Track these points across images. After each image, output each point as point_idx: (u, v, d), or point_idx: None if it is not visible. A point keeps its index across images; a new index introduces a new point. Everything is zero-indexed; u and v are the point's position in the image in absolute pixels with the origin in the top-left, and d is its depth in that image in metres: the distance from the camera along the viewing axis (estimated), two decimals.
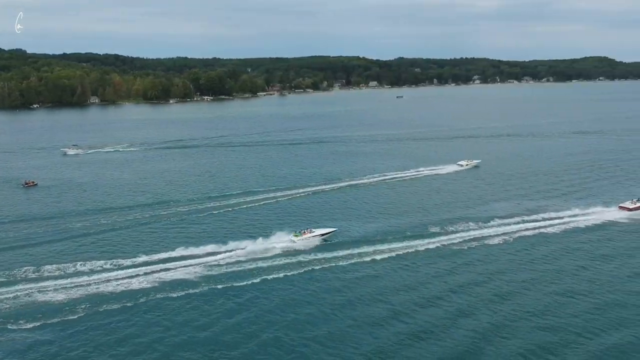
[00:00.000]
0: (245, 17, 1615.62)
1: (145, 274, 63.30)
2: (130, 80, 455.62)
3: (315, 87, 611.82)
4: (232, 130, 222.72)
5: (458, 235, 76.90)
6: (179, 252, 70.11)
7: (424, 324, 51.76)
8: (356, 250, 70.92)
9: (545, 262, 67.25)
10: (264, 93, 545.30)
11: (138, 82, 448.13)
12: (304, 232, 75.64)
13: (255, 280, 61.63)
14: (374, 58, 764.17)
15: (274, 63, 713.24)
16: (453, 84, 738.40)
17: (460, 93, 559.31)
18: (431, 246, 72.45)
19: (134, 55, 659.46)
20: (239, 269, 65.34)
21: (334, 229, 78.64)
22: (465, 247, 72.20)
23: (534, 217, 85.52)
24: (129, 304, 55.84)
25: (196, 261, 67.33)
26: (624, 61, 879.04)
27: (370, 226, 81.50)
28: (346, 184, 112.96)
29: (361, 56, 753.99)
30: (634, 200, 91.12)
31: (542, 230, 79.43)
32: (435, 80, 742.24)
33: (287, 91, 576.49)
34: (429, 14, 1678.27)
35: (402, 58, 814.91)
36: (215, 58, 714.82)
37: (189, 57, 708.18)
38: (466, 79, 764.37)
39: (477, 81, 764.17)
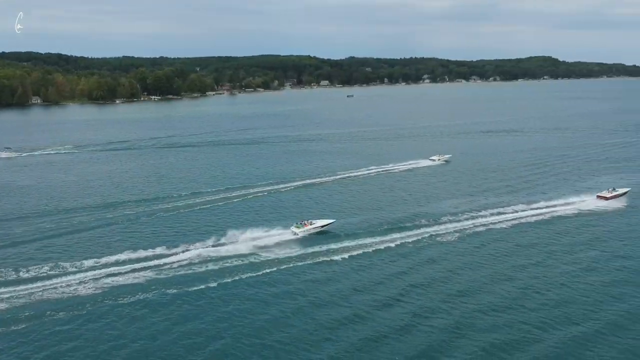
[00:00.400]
0: (194, 15, 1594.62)
1: (95, 279, 60.80)
2: (74, 80, 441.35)
3: (266, 86, 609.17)
4: (180, 131, 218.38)
5: (422, 230, 77.84)
6: (128, 255, 67.78)
7: (384, 321, 51.72)
8: (310, 250, 70.33)
9: (522, 253, 69.41)
10: (214, 92, 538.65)
11: (83, 82, 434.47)
12: (305, 223, 76.75)
13: (211, 284, 60.02)
14: (325, 57, 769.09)
15: (223, 62, 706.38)
16: (404, 83, 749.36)
17: (411, 92, 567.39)
18: (391, 244, 72.41)
19: (78, 55, 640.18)
20: (190, 271, 63.67)
21: (333, 220, 79.73)
22: (428, 243, 72.81)
23: (511, 209, 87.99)
24: (77, 312, 53.33)
25: (146, 264, 65.21)
26: (566, 61, 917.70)
27: (333, 225, 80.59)
28: (302, 182, 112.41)
29: (312, 55, 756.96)
30: (610, 189, 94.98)
31: (520, 221, 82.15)
32: (386, 80, 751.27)
33: (237, 90, 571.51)
34: (379, 14, 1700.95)
35: (353, 57, 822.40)
36: (162, 57, 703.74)
37: (136, 56, 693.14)
38: (416, 79, 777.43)
39: (427, 80, 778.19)
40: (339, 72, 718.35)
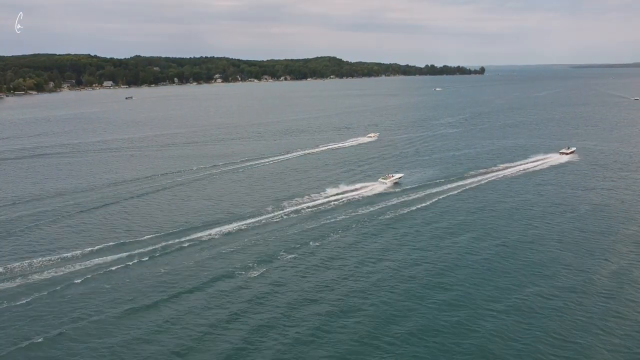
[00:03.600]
0: None
1: None
2: None
3: (40, 88, 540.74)
4: None
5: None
6: None
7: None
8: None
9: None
10: None
11: None
12: (389, 176, 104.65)
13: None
14: (108, 56, 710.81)
15: None
16: (195, 83, 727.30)
17: (202, 92, 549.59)
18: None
19: None
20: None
21: (402, 174, 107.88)
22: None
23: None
24: None
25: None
26: (349, 61, 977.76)
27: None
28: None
29: (92, 54, 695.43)
30: (566, 147, 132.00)
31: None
32: (176, 80, 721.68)
33: (3, 94, 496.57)
34: (164, 11, 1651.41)
35: (138, 56, 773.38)
36: None
37: None
38: (208, 78, 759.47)
39: (219, 80, 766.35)
40: (124, 72, 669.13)
